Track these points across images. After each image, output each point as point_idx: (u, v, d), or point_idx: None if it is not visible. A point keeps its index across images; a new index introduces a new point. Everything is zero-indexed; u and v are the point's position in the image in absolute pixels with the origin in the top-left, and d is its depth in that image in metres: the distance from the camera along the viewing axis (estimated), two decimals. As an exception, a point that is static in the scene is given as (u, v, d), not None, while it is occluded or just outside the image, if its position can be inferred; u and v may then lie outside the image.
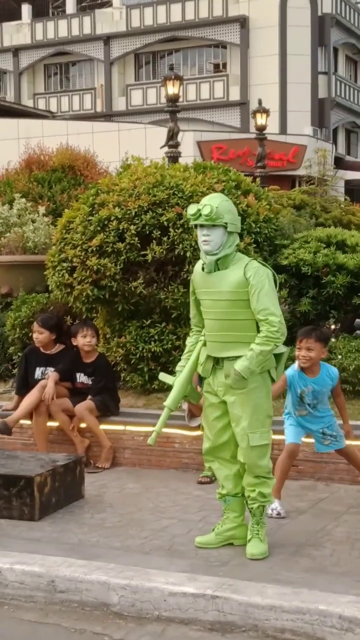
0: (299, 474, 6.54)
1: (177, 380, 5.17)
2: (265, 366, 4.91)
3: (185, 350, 5.27)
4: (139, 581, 4.48)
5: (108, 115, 40.71)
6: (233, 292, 4.88)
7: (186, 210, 5.16)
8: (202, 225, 4.89)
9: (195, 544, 5.10)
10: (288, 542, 5.14)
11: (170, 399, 5.16)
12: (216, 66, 40.51)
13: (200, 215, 4.85)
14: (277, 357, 5.05)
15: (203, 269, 5.01)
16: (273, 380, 5.08)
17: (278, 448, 5.91)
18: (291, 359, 6.00)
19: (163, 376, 5.38)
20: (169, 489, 6.38)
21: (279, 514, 5.64)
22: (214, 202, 4.88)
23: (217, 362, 5.02)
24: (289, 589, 4.33)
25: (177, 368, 5.27)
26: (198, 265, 5.10)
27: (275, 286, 4.95)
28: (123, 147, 21.08)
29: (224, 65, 40.13)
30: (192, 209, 4.92)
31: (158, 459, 7.05)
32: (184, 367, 5.20)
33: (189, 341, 5.26)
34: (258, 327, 4.86)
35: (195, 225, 4.98)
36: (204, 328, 5.12)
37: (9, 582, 4.73)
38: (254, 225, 7.86)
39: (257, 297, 4.80)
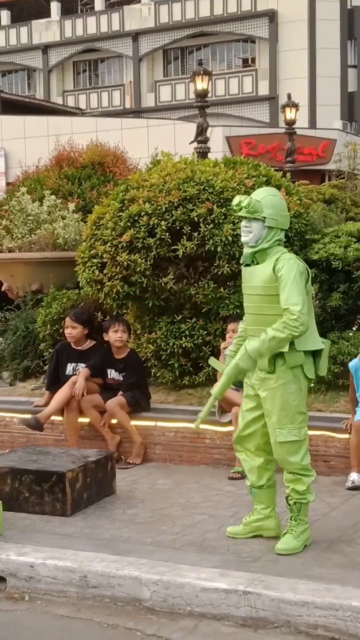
0: (331, 470, 6.51)
1: (226, 369, 5.19)
2: (290, 362, 4.88)
3: (237, 335, 5.33)
4: (171, 577, 4.48)
5: (137, 112, 40.75)
6: (263, 287, 4.91)
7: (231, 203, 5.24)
8: (244, 217, 4.97)
9: (226, 534, 5.17)
10: (320, 538, 5.11)
11: (217, 389, 5.26)
12: (245, 61, 40.39)
13: (241, 208, 4.94)
14: (316, 353, 5.02)
15: (247, 263, 5.09)
16: (308, 379, 5.03)
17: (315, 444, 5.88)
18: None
19: (213, 361, 5.55)
20: (200, 484, 6.38)
21: (353, 482, 6.15)
22: (256, 195, 5.01)
23: None
24: (322, 585, 4.31)
25: (228, 353, 5.33)
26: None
27: (308, 280, 4.94)
28: (152, 144, 21.09)
29: (253, 59, 40.00)
30: (235, 200, 5.02)
31: (189, 455, 7.05)
32: (234, 352, 5.23)
33: (241, 326, 5.29)
34: None
35: (240, 218, 5.07)
36: None
37: (41, 577, 4.76)
38: (284, 221, 7.82)
39: (283, 287, 4.81)
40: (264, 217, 4.92)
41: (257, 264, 5.00)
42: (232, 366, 5.15)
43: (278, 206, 5.01)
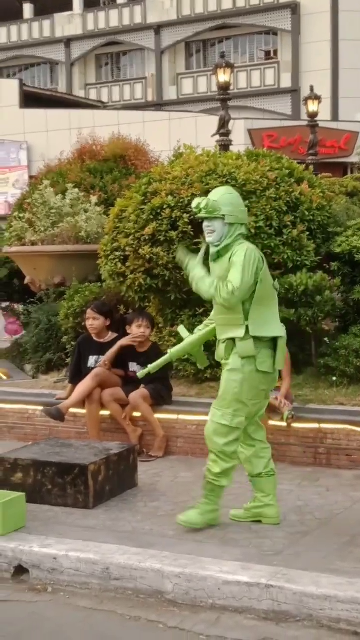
0: (353, 464, 6.49)
1: (189, 338, 5.63)
2: (241, 351, 5.11)
3: (209, 318, 5.62)
4: (193, 569, 4.49)
5: (159, 105, 40.69)
6: (222, 277, 5.12)
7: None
8: (204, 218, 5.18)
9: (229, 517, 5.38)
10: (342, 532, 5.10)
11: (175, 349, 5.70)
12: (267, 53, 40.19)
13: (201, 209, 5.16)
14: (273, 341, 5.18)
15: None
16: (264, 372, 5.17)
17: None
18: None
19: (181, 329, 5.84)
20: (235, 481, 6.35)
21: None
22: (213, 196, 5.22)
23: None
24: (344, 579, 4.29)
25: (199, 327, 5.67)
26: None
27: (261, 268, 5.11)
28: (174, 137, 21.04)
29: (275, 52, 39.81)
30: (194, 203, 5.24)
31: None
32: (201, 330, 5.62)
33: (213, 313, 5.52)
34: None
35: (201, 219, 5.24)
36: None
37: (64, 569, 4.78)
38: (307, 213, 7.80)
39: (231, 269, 5.05)
40: (223, 215, 5.13)
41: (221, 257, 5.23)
42: (196, 338, 5.56)
43: (236, 203, 5.25)
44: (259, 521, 5.35)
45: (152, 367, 5.79)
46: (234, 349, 5.16)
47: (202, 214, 5.16)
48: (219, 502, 5.29)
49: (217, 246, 5.16)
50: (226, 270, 5.10)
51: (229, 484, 5.28)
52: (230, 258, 5.10)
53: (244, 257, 5.03)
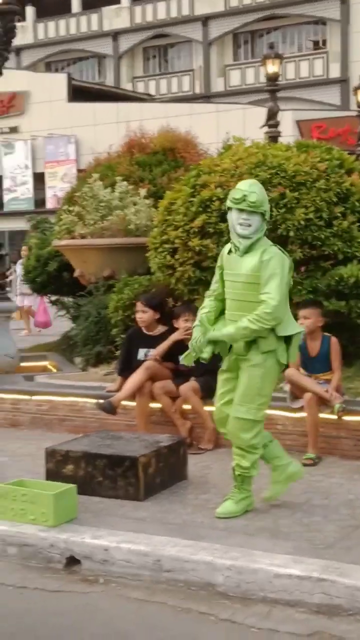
0: None
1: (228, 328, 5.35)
2: (262, 347, 5.19)
3: (207, 310, 5.45)
4: (244, 562, 4.48)
5: (206, 97, 40.65)
6: (249, 275, 5.17)
7: (229, 193, 5.35)
8: (242, 210, 5.13)
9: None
10: (395, 527, 5.05)
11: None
12: (315, 43, 39.91)
13: (245, 201, 5.12)
14: (289, 340, 5.26)
15: (230, 251, 5.29)
16: (281, 364, 5.33)
17: None
18: None
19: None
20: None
21: None
22: (257, 190, 5.19)
23: None
24: None
25: (201, 312, 5.50)
26: (226, 247, 5.40)
27: (290, 274, 5.25)
28: (222, 129, 20.99)
29: (324, 42, 39.51)
30: (237, 194, 5.16)
31: (261, 441, 7.01)
32: (208, 314, 5.44)
33: (209, 303, 5.46)
34: None
35: (229, 208, 5.22)
36: (215, 298, 5.43)
37: (116, 561, 4.81)
38: (357, 204, 7.72)
39: (267, 279, 5.09)
40: (264, 211, 5.18)
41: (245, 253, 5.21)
42: (217, 335, 5.34)
43: (266, 198, 5.28)
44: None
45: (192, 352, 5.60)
46: (253, 344, 5.22)
47: (244, 206, 5.12)
48: (250, 488, 5.44)
49: (249, 238, 5.16)
50: (254, 271, 5.13)
51: (258, 473, 5.47)
52: (262, 258, 5.12)
53: (280, 268, 5.11)
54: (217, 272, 5.48)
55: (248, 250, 5.19)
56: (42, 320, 15.81)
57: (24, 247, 15.83)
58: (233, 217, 5.22)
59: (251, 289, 5.18)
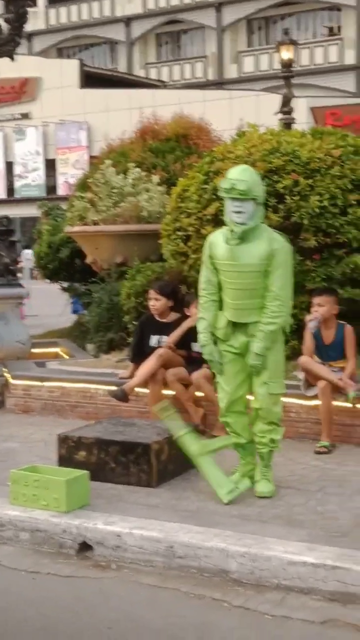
0: None
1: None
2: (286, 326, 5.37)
3: (210, 315, 5.52)
4: (258, 549, 4.47)
5: (219, 83, 40.48)
6: (260, 264, 5.23)
7: (221, 184, 5.35)
8: (236, 198, 5.16)
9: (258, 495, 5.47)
10: None
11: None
12: (330, 29, 39.65)
13: (234, 189, 5.13)
14: None
15: (227, 240, 5.29)
16: (286, 335, 5.49)
17: None
18: None
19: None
20: (286, 458, 6.32)
21: None
22: (246, 177, 5.18)
23: (235, 325, 5.42)
24: None
25: (199, 316, 5.65)
26: (216, 237, 5.40)
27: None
28: (235, 115, 20.92)
29: (339, 28, 39.25)
30: (227, 183, 5.19)
31: (274, 428, 7.00)
32: (206, 319, 5.57)
33: (209, 305, 5.51)
34: None
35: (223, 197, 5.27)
36: (215, 294, 5.45)
37: (128, 547, 4.80)
38: (373, 192, 7.66)
39: (278, 273, 5.21)
40: (256, 196, 5.18)
41: (243, 242, 5.22)
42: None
43: (260, 182, 5.30)
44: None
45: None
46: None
47: (235, 195, 5.14)
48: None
49: (244, 225, 5.17)
50: (265, 259, 5.20)
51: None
52: (272, 246, 5.21)
53: (289, 260, 5.30)
54: (208, 261, 5.45)
55: (247, 237, 5.21)
56: None
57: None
58: (227, 205, 5.26)
59: (260, 276, 5.25)
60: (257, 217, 5.26)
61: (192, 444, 5.55)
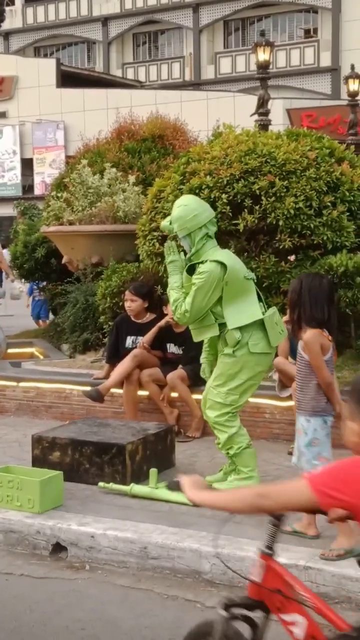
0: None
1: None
2: (229, 342, 5.49)
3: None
4: (231, 550, 4.49)
5: (196, 84, 40.50)
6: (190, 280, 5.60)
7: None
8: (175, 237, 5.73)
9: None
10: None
11: None
12: (307, 31, 39.80)
13: (171, 232, 5.67)
14: (258, 324, 5.50)
15: None
16: (261, 353, 5.52)
17: None
18: None
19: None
20: (260, 459, 6.32)
21: None
22: (174, 215, 5.60)
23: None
24: (383, 562, 4.26)
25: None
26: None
27: (223, 277, 5.42)
28: (212, 116, 20.93)
29: (315, 30, 39.40)
30: (166, 231, 5.82)
31: (248, 429, 6.95)
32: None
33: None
34: (216, 316, 5.51)
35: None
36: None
37: (102, 548, 4.81)
38: (347, 194, 7.69)
39: (192, 289, 5.46)
40: (187, 229, 5.51)
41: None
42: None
43: (183, 214, 5.53)
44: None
45: None
46: (224, 339, 5.58)
47: (170, 234, 5.70)
48: (250, 468, 5.67)
49: (190, 257, 5.58)
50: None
51: (237, 450, 5.63)
52: (199, 269, 5.48)
53: (203, 280, 5.41)
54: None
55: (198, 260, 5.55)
56: None
57: None
58: None
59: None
60: (195, 244, 5.53)
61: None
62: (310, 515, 4.64)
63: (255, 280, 5.81)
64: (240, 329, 5.46)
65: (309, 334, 4.72)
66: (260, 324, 5.51)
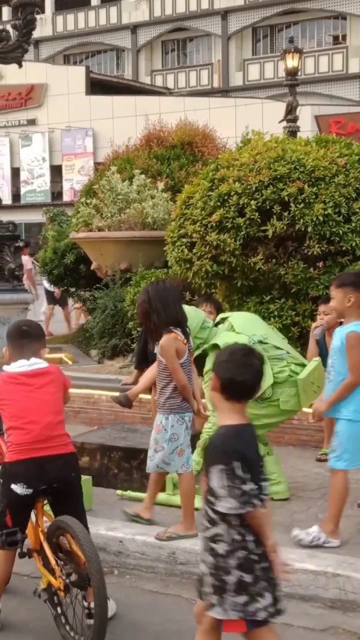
0: None
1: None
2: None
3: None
4: (259, 556, 4.47)
5: (225, 91, 40.53)
6: None
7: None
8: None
9: None
10: None
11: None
12: (335, 38, 39.70)
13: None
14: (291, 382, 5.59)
15: None
16: (290, 409, 5.66)
17: None
18: None
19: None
20: (287, 465, 6.34)
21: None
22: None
23: None
24: None
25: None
26: None
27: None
28: (240, 123, 20.97)
29: (344, 36, 39.28)
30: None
31: (276, 436, 7.02)
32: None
33: None
34: None
35: None
36: None
37: (130, 552, 4.82)
38: (376, 200, 7.67)
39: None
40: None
41: None
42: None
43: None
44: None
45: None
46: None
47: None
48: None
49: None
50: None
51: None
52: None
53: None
54: None
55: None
56: None
57: None
58: None
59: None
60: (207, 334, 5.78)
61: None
62: (148, 500, 5.14)
63: (265, 341, 5.65)
64: (272, 385, 5.43)
65: (165, 340, 4.95)
66: (294, 382, 5.50)
